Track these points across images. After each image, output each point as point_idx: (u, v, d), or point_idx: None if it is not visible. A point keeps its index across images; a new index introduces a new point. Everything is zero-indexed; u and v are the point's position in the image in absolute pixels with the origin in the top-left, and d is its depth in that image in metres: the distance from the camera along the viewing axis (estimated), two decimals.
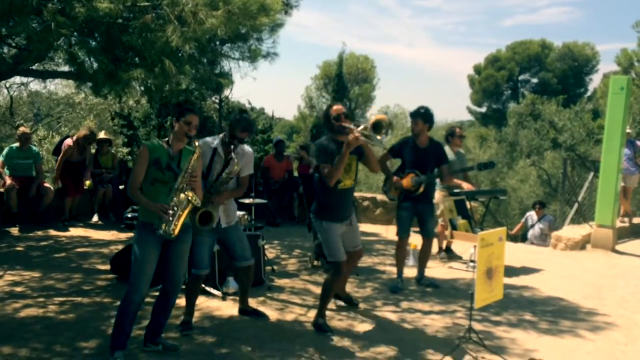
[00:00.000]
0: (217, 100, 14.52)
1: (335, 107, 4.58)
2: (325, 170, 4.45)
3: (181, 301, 5.25)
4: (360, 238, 4.96)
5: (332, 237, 4.62)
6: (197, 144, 3.99)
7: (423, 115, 5.81)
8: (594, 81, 39.70)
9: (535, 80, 41.30)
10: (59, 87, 17.27)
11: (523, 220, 11.29)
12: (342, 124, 4.45)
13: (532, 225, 10.59)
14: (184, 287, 5.47)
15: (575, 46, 40.65)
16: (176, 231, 3.80)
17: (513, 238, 10.85)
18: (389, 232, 6.39)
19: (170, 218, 3.77)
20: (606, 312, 5.43)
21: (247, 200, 6.56)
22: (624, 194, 9.48)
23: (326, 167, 4.45)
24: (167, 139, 4.01)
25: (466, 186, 6.96)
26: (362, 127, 4.30)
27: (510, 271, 6.65)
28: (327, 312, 5.06)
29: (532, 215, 10.83)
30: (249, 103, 17.46)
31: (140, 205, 3.89)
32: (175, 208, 3.81)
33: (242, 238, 4.73)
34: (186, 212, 3.87)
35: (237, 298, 5.29)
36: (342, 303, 5.34)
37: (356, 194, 10.89)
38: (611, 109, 8.32)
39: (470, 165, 7.11)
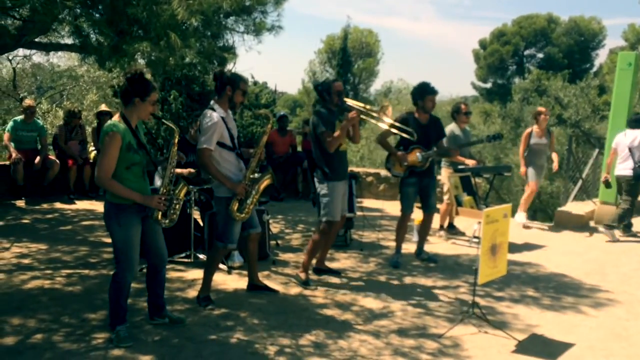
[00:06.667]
0: None
1: (338, 84, 5.21)
2: (328, 138, 5.00)
3: (186, 274, 5.32)
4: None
5: (336, 197, 5.15)
6: (172, 125, 3.94)
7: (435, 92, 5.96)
8: (600, 56, 39.34)
9: (540, 55, 40.82)
10: (62, 60, 17.16)
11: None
12: (347, 102, 5.15)
13: None
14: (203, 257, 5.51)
15: (582, 20, 40.14)
16: (175, 218, 3.89)
17: None
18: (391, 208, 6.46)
19: (167, 206, 3.81)
20: (609, 288, 5.47)
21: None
22: None
23: (328, 135, 5.00)
24: (119, 115, 3.75)
25: (470, 163, 6.95)
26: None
27: (514, 248, 6.67)
28: (331, 287, 5.21)
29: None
30: (252, 77, 17.32)
31: (119, 194, 3.65)
32: (170, 194, 3.84)
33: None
34: (182, 197, 3.92)
35: (242, 272, 5.34)
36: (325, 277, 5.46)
37: (360, 170, 10.91)
38: (618, 85, 8.27)
39: (478, 138, 7.15)
